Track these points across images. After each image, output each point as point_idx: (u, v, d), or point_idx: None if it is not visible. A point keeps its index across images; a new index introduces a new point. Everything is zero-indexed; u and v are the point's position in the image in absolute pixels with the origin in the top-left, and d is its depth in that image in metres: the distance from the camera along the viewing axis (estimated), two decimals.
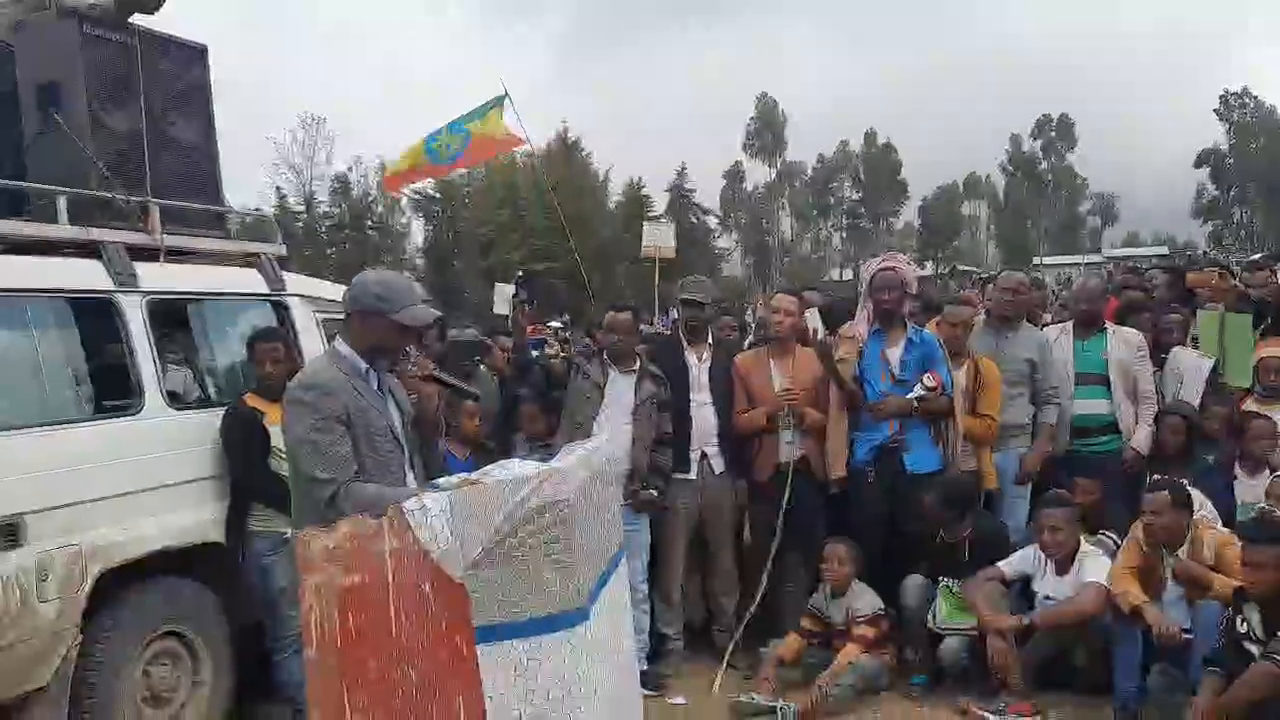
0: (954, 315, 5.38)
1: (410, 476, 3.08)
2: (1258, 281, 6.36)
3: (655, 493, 4.88)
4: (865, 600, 4.78)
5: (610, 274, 37.72)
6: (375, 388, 3.03)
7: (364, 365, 2.99)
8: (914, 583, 4.88)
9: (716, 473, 5.16)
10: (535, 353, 6.58)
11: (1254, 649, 3.73)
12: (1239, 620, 3.84)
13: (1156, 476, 4.84)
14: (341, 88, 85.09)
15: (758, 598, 5.03)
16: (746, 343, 6.48)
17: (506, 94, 7.81)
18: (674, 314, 8.05)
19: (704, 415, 5.14)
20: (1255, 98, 65.30)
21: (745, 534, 5.42)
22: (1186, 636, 4.12)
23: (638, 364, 4.98)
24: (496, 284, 12.35)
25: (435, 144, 7.79)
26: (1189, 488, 4.50)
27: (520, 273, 10.89)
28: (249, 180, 44.66)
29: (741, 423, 5.16)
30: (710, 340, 5.35)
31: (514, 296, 6.84)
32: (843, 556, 4.80)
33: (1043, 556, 4.67)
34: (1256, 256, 9.61)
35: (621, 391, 4.91)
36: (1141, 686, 4.22)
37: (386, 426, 3.01)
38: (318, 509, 2.79)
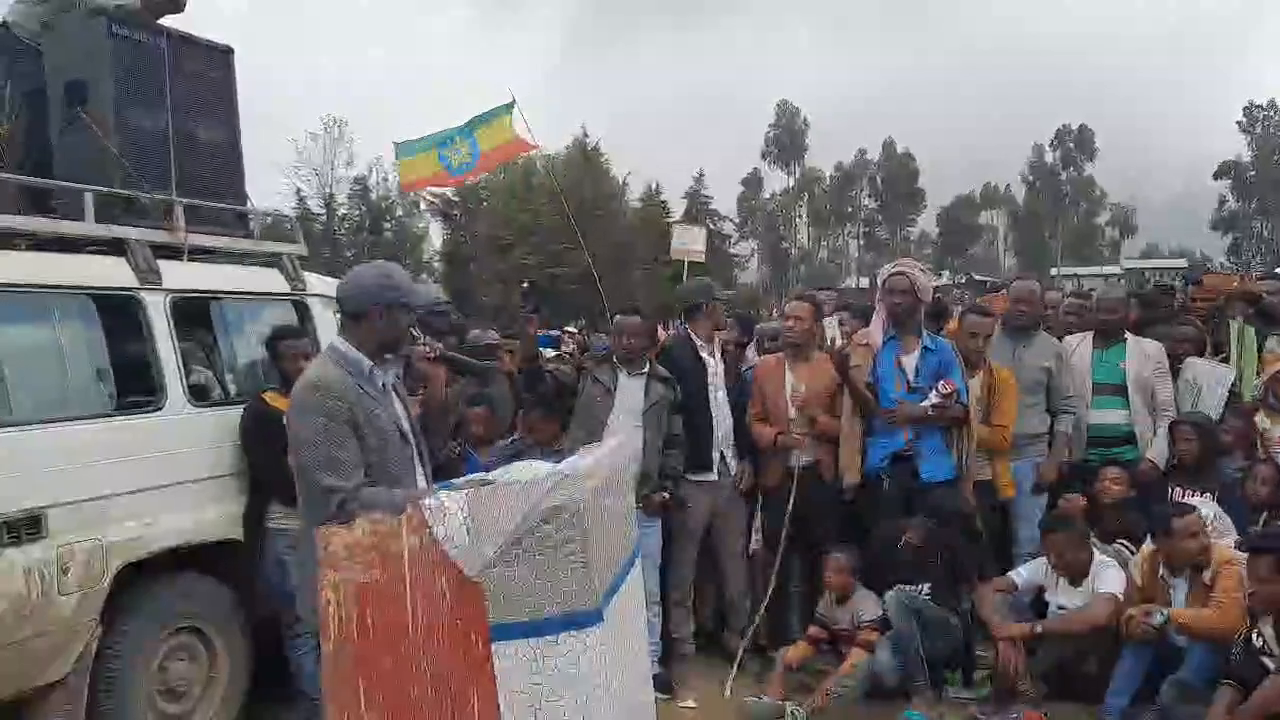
0: (974, 326, 5.26)
1: (420, 471, 3.07)
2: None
3: (666, 495, 4.90)
4: (869, 605, 4.79)
5: (624, 279, 37.66)
6: (379, 386, 3.00)
7: (368, 364, 2.95)
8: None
9: (733, 474, 5.19)
10: (552, 352, 6.58)
11: (1269, 662, 3.72)
12: (1254, 634, 3.83)
13: (1179, 491, 4.81)
14: (360, 87, 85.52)
15: (764, 601, 5.04)
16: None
17: (514, 101, 7.86)
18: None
19: (724, 414, 5.16)
20: None
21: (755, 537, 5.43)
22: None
23: (647, 367, 5.00)
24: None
25: (448, 150, 7.82)
26: (1200, 501, 4.51)
27: (524, 284, 10.93)
28: (270, 181, 44.79)
29: (754, 430, 5.18)
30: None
31: (520, 307, 6.87)
32: (841, 565, 4.82)
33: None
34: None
35: (631, 394, 4.91)
36: (1130, 709, 4.21)
37: (394, 424, 2.99)
38: (328, 513, 2.75)
